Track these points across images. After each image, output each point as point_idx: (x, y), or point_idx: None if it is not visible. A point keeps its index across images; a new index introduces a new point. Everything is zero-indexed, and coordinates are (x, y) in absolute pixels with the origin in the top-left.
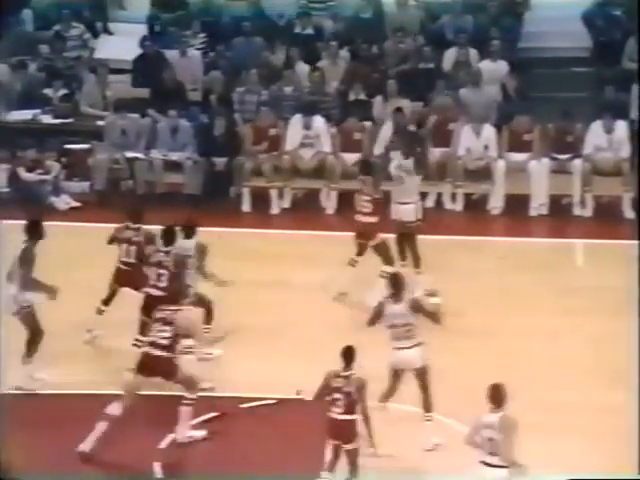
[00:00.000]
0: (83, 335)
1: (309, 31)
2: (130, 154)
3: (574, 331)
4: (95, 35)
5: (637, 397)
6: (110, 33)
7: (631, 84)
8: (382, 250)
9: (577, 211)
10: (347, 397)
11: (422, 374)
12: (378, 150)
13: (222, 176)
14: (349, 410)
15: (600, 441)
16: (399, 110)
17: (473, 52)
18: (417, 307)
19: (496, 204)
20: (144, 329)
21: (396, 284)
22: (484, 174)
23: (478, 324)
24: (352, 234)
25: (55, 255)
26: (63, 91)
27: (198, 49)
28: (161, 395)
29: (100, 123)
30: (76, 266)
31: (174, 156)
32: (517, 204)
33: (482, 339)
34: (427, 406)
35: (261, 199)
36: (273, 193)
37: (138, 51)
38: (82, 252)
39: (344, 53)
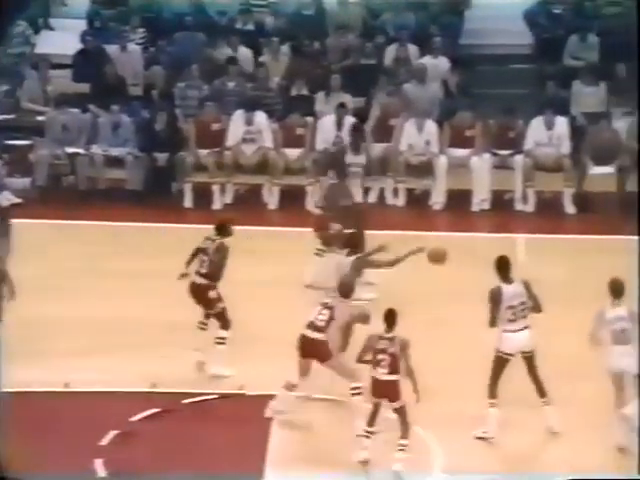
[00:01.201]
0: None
1: (250, 27)
2: (71, 150)
3: None
4: (36, 31)
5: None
6: (51, 28)
7: (572, 80)
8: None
9: (519, 206)
10: (392, 358)
11: (532, 358)
12: (320, 145)
13: (164, 172)
14: (393, 370)
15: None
16: (342, 106)
17: (413, 48)
18: (528, 285)
19: (438, 199)
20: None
21: (503, 266)
22: (426, 169)
23: (422, 318)
24: (294, 229)
25: None
26: (4, 87)
27: (138, 44)
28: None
29: (41, 119)
30: (19, 262)
31: (115, 151)
32: (459, 199)
33: (429, 331)
34: (542, 391)
35: (203, 195)
36: (215, 189)
37: (79, 46)
38: (24, 248)
39: (286, 49)
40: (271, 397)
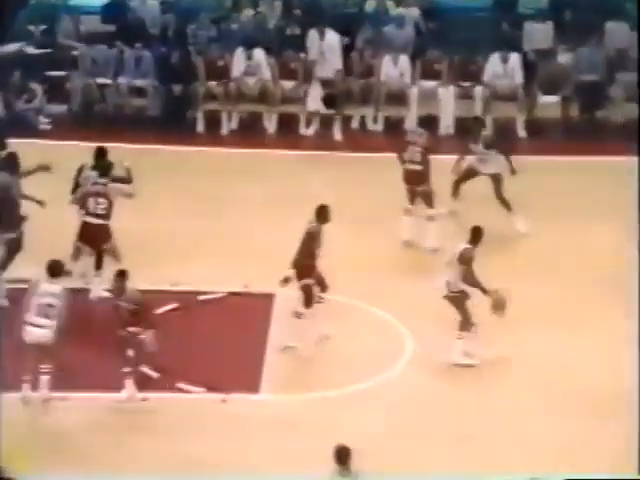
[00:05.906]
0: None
1: None
2: (101, 80)
3: None
4: None
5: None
6: None
7: (523, 22)
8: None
9: None
10: None
11: None
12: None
13: (179, 100)
14: None
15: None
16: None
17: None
18: None
19: (411, 125)
20: None
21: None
22: (401, 99)
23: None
24: (290, 152)
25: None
26: (43, 26)
27: None
28: None
29: (75, 53)
30: (58, 178)
31: (138, 82)
32: (428, 124)
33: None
34: None
35: (213, 121)
36: (223, 116)
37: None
38: (62, 167)
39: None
40: (271, 295)
